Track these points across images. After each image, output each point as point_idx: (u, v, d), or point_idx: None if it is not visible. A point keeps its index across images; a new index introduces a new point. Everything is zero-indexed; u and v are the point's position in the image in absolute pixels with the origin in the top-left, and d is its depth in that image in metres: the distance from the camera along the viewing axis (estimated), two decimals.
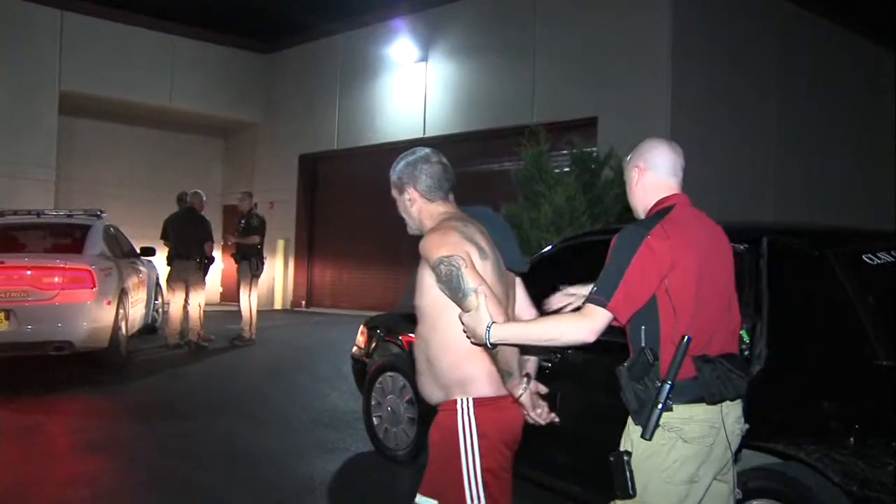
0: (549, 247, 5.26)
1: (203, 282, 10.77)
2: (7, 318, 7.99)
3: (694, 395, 2.62)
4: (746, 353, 3.42)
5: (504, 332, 2.58)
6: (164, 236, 10.91)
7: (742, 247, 3.63)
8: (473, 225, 2.83)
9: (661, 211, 2.78)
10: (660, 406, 2.58)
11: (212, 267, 11.13)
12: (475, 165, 14.84)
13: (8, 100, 14.79)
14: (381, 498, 5.38)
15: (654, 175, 2.88)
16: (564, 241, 4.89)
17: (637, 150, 2.96)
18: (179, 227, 10.73)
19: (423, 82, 15.50)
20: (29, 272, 8.20)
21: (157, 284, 12.12)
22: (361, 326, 6.38)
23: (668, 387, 2.57)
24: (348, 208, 16.92)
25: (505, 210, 9.63)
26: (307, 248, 17.90)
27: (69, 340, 8.20)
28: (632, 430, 2.71)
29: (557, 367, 4.24)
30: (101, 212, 10.12)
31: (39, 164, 15.19)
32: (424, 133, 15.42)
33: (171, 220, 10.96)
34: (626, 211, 9.45)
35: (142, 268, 10.96)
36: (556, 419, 2.87)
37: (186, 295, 10.63)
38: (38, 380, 8.71)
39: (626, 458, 2.67)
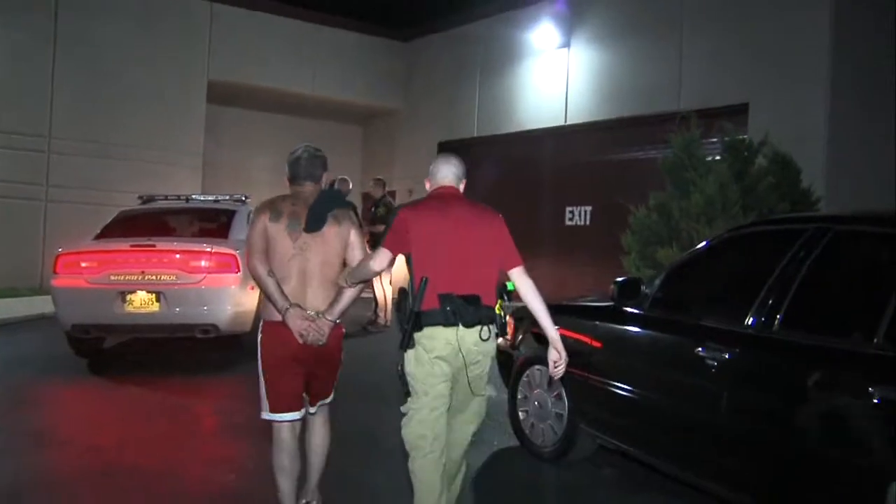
0: (705, 242, 4.88)
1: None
2: (158, 300, 8.15)
3: (435, 320, 3.77)
4: None
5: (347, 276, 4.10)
6: None
7: None
8: (293, 200, 4.14)
9: (423, 198, 4.09)
10: (407, 327, 3.80)
11: None
12: (618, 153, 14.40)
13: (160, 89, 15.33)
14: (528, 495, 5.18)
15: (432, 181, 4.12)
16: (731, 232, 4.52)
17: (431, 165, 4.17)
18: None
19: (564, 68, 15.15)
20: (178, 256, 8.34)
21: None
22: (507, 317, 6.15)
23: (413, 314, 3.77)
24: (488, 195, 16.64)
25: (652, 199, 9.24)
26: None
27: (214, 324, 8.31)
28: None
29: (729, 365, 3.89)
30: (246, 197, 10.25)
31: (188, 150, 15.71)
32: (566, 120, 15.10)
33: None
34: (782, 200, 8.92)
35: None
36: (319, 341, 4.02)
37: None
38: (184, 361, 8.96)
39: (399, 370, 3.91)
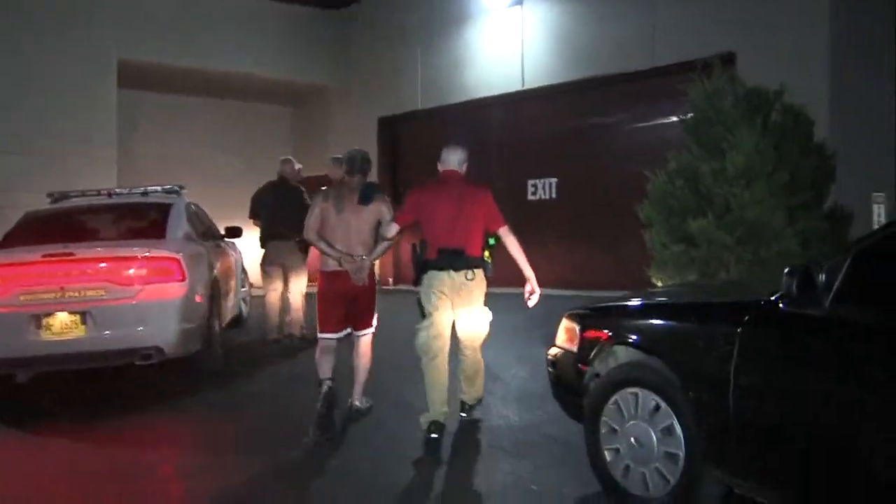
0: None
1: (304, 264, 9.14)
2: (83, 321, 6.48)
3: (434, 266, 5.41)
4: None
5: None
6: (254, 214, 9.26)
7: None
8: (339, 187, 6.12)
9: (432, 180, 5.72)
10: (419, 270, 5.50)
11: None
12: (586, 118, 13.12)
13: (62, 70, 13.31)
14: None
15: (441, 165, 5.71)
16: None
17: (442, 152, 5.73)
18: (271, 203, 9.11)
19: (519, 28, 13.71)
20: (105, 265, 6.66)
21: (244, 269, 10.59)
22: (566, 321, 4.67)
23: (422, 262, 5.46)
24: (436, 174, 15.18)
25: (673, 162, 7.92)
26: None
27: (158, 346, 6.66)
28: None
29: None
30: (181, 187, 8.57)
31: (99, 141, 13.73)
32: (523, 85, 13.68)
33: (261, 194, 9.32)
34: (804, 157, 7.66)
35: (229, 251, 9.42)
36: (362, 279, 5.83)
37: (286, 282, 9.05)
38: (126, 396, 7.15)
39: (418, 299, 5.55)
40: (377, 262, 6.26)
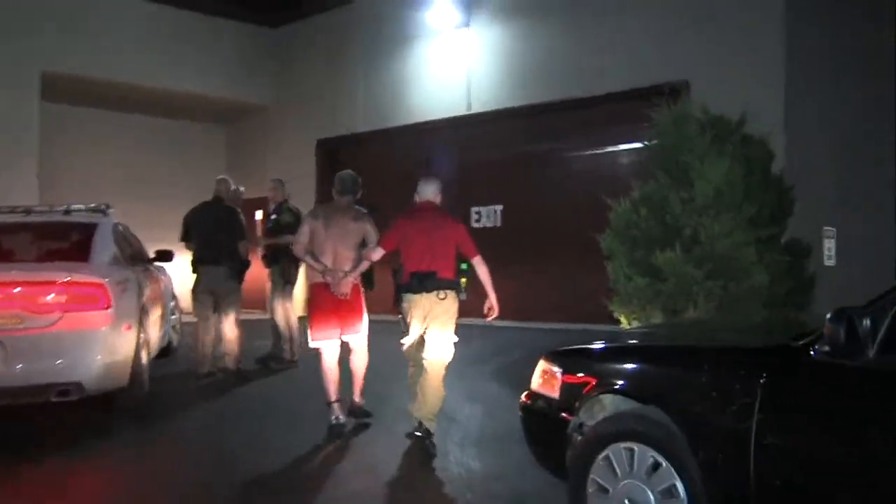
0: None
1: (238, 292, 8.53)
2: None
3: (408, 289, 5.85)
4: None
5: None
6: (186, 237, 8.63)
7: None
8: (330, 206, 6.65)
9: (411, 209, 6.17)
10: (399, 293, 5.93)
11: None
12: (533, 144, 12.81)
13: None
14: None
15: (419, 196, 6.18)
16: None
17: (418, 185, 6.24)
18: (204, 225, 8.49)
19: (465, 51, 13.36)
20: (19, 289, 6.00)
21: (174, 296, 9.92)
22: (543, 363, 4.18)
23: (399, 286, 5.93)
24: (377, 198, 14.58)
25: (639, 190, 7.57)
26: None
27: (77, 382, 5.99)
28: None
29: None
30: (107, 206, 7.91)
31: (20, 156, 12.91)
32: (469, 109, 13.32)
33: (193, 215, 8.68)
34: (764, 189, 7.41)
35: (159, 276, 8.76)
36: (347, 294, 6.23)
37: (218, 310, 8.41)
38: (33, 438, 6.38)
39: (400, 319, 5.95)
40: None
